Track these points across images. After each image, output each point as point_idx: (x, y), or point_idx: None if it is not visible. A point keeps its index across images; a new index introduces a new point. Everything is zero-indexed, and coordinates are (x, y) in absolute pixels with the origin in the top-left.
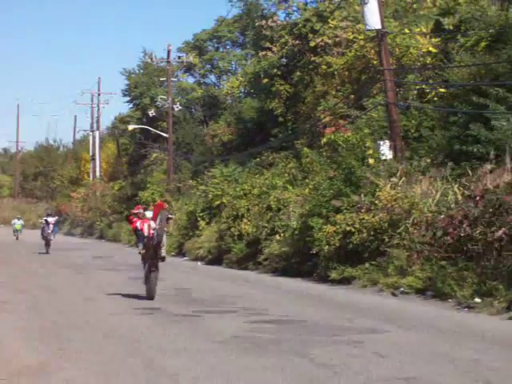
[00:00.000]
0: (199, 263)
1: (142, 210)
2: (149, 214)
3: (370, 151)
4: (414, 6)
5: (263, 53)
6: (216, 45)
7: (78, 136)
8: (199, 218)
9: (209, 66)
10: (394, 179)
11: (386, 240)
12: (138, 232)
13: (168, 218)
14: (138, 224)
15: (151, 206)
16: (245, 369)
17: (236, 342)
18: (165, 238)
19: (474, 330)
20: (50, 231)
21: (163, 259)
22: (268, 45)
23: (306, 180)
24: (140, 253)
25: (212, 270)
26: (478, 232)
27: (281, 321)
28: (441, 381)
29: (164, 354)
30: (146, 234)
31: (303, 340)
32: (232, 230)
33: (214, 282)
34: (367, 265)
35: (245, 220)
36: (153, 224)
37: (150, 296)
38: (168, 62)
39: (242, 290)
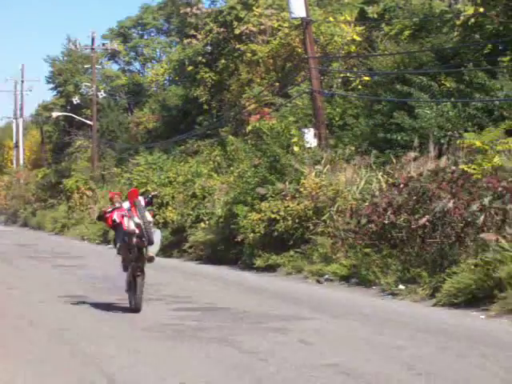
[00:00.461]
0: None
1: (117, 197)
2: (126, 204)
3: (295, 139)
4: None
5: (188, 40)
6: (140, 32)
7: (2, 123)
8: None
9: (133, 54)
10: (318, 167)
11: (311, 227)
12: (116, 227)
13: (153, 197)
14: (116, 216)
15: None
16: (171, 356)
17: (162, 329)
18: (158, 233)
19: (398, 316)
20: None
21: (151, 259)
22: (193, 32)
23: (231, 168)
24: (119, 253)
25: None
26: (401, 219)
27: (206, 308)
28: (366, 367)
29: (89, 341)
30: (126, 228)
31: (229, 327)
32: (157, 217)
33: None
34: (292, 252)
35: (170, 208)
36: (136, 219)
37: (136, 307)
38: (92, 49)
39: (168, 277)
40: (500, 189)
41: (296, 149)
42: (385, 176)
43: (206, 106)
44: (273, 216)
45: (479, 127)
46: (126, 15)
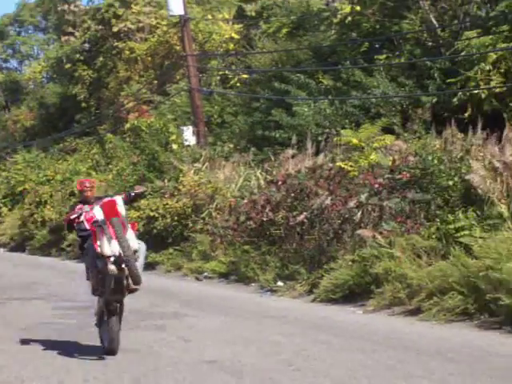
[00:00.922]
0: (1, 250)
1: (89, 187)
2: (98, 212)
3: (174, 137)
4: None
5: (65, 38)
6: (18, 29)
7: None
8: (1, 205)
9: (10, 51)
10: (197, 165)
11: (190, 225)
12: (83, 235)
13: (136, 196)
14: (84, 218)
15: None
16: (48, 356)
17: (40, 328)
18: (142, 247)
19: (277, 313)
20: None
21: (134, 291)
22: (70, 30)
23: (110, 166)
24: (89, 279)
25: (15, 257)
26: (280, 216)
27: (86, 307)
28: (244, 363)
29: None
30: (98, 250)
31: None
32: (35, 216)
33: (18, 269)
34: (171, 250)
35: (48, 206)
36: (115, 244)
37: (110, 348)
38: None
39: (47, 276)
40: (376, 185)
41: (175, 146)
42: (263, 173)
43: (84, 104)
44: (152, 214)
45: (356, 124)
46: (3, 12)
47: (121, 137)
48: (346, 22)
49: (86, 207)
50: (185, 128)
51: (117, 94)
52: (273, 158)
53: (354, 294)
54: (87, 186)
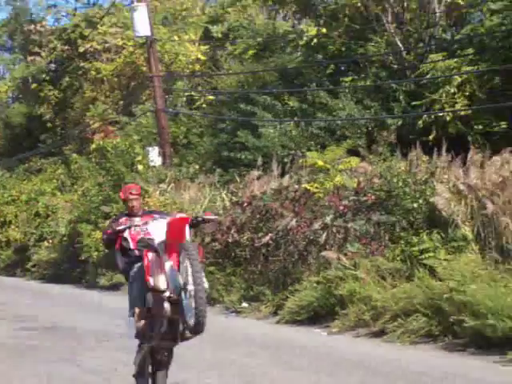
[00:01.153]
0: None
1: (135, 195)
2: (154, 228)
3: (139, 157)
4: (183, 13)
5: (32, 58)
6: None
7: None
8: None
9: None
10: (163, 185)
11: None
12: (127, 256)
13: (201, 222)
14: (129, 237)
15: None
16: (12, 377)
17: (3, 349)
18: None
19: (242, 334)
20: None
21: (190, 338)
22: (37, 50)
23: (75, 186)
24: (132, 316)
25: None
26: (245, 238)
27: (50, 328)
28: None
29: None
30: (150, 282)
31: (72, 347)
32: (0, 236)
33: None
34: None
35: (13, 226)
36: (179, 279)
37: None
38: None
39: (11, 296)
40: (341, 207)
41: (140, 167)
42: (229, 194)
43: (49, 124)
44: None
45: (322, 146)
46: None
47: (86, 157)
48: (312, 44)
49: (138, 220)
50: (150, 149)
51: (83, 115)
52: (238, 180)
53: (318, 315)
54: (133, 193)
